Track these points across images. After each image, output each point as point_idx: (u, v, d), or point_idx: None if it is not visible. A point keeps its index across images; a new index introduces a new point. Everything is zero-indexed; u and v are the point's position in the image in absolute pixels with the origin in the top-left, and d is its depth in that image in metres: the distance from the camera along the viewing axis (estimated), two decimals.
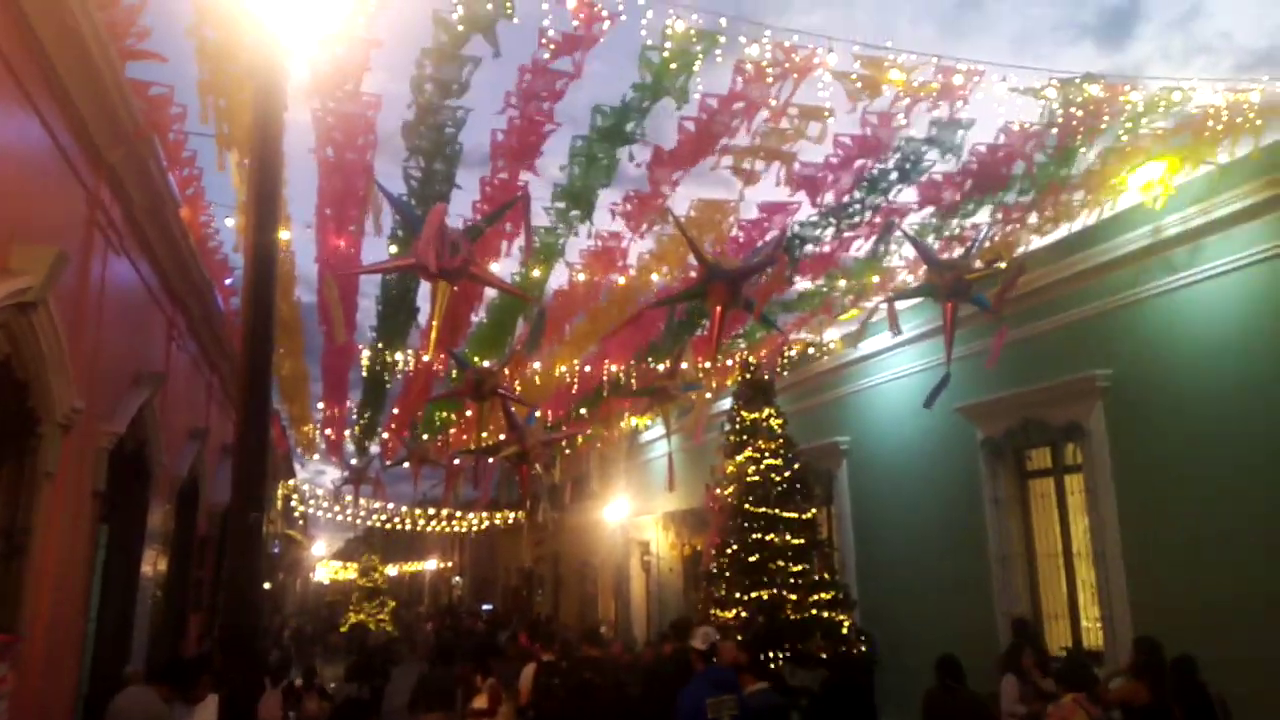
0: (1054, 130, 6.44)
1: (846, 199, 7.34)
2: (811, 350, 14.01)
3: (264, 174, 3.48)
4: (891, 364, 13.15)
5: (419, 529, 32.45)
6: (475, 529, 33.14)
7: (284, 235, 8.38)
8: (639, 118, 6.06)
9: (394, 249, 8.47)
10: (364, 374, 13.40)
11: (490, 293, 10.36)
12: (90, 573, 6.84)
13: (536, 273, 9.36)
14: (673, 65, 5.30)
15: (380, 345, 12.30)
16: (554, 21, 5.15)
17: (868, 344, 13.39)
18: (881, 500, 13.04)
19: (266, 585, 23.24)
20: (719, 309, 7.64)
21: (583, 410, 17.63)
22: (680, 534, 19.23)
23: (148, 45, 5.94)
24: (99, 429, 6.63)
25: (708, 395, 14.22)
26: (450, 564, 47.85)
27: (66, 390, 5.45)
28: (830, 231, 7.96)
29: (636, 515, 22.15)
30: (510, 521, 31.26)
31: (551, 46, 5.38)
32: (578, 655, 8.07)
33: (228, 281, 10.10)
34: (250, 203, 3.41)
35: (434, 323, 7.72)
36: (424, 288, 10.29)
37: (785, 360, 13.50)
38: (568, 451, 20.92)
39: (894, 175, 7.07)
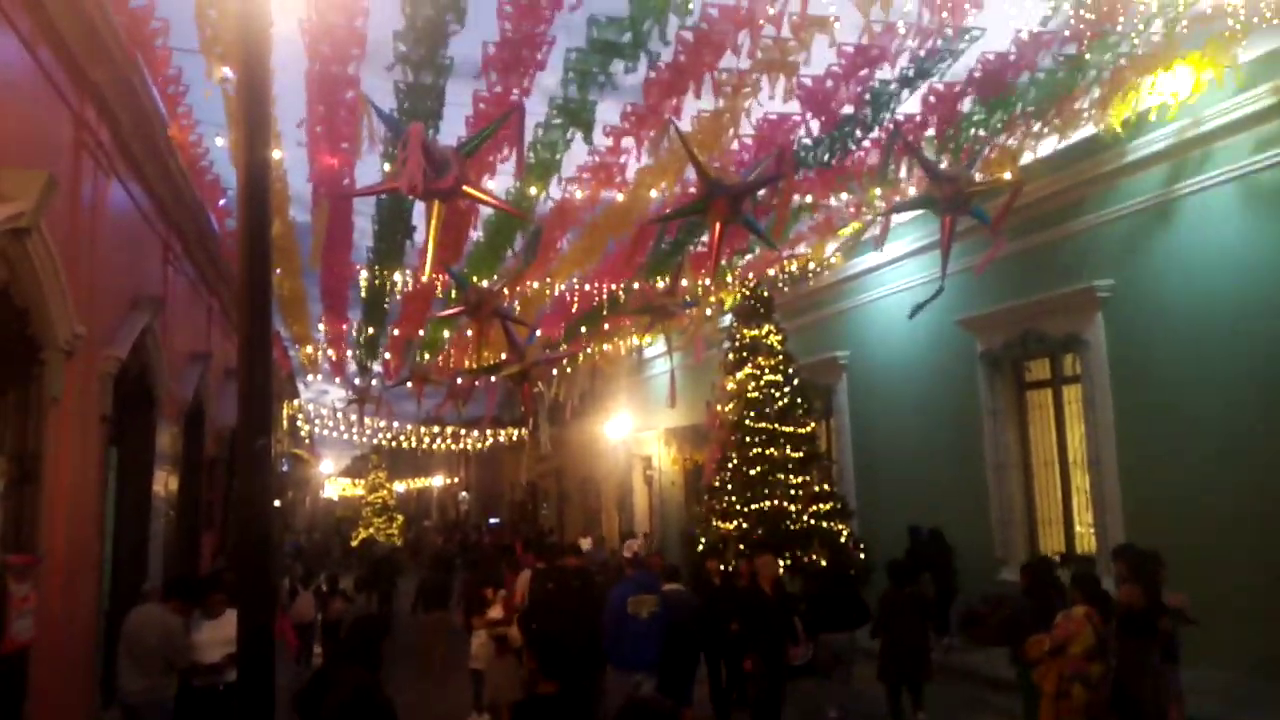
0: (1066, 34, 6.22)
1: (850, 111, 7.17)
2: (811, 266, 13.92)
3: (252, 90, 3.38)
4: (891, 278, 13.10)
5: (424, 447, 32.87)
6: (479, 447, 33.58)
7: (275, 155, 8.24)
8: (638, 32, 5.86)
9: (388, 166, 8.33)
10: (363, 294, 13.35)
11: (487, 211, 10.26)
12: (103, 495, 6.97)
13: (533, 190, 9.22)
14: None
15: (377, 265, 12.23)
16: None
17: (867, 259, 13.30)
18: (881, 413, 13.17)
19: (276, 503, 23.72)
20: (719, 225, 7.57)
21: (583, 328, 17.63)
22: (682, 449, 19.51)
23: None
24: (102, 354, 6.66)
25: (708, 312, 14.20)
26: (457, 479, 48.65)
27: (67, 316, 5.45)
28: (834, 146, 7.79)
29: (639, 431, 22.41)
30: (514, 439, 31.64)
31: None
32: (560, 563, 9.16)
33: (221, 203, 9.95)
34: (239, 120, 3.33)
35: (429, 241, 7.67)
36: (420, 205, 10.19)
37: (785, 276, 13.43)
38: (569, 369, 21.02)
39: (895, 86, 6.88)
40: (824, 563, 9.80)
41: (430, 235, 7.48)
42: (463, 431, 32.82)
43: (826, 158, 8.09)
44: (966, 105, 7.80)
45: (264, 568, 2.74)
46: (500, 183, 9.08)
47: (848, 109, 7.21)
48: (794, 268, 13.55)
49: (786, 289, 14.00)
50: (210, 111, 8.41)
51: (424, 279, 10.74)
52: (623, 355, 21.06)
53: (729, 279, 13.37)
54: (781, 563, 9.54)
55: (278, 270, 12.87)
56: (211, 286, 11.94)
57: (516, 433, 31.29)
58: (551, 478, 31.15)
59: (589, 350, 17.92)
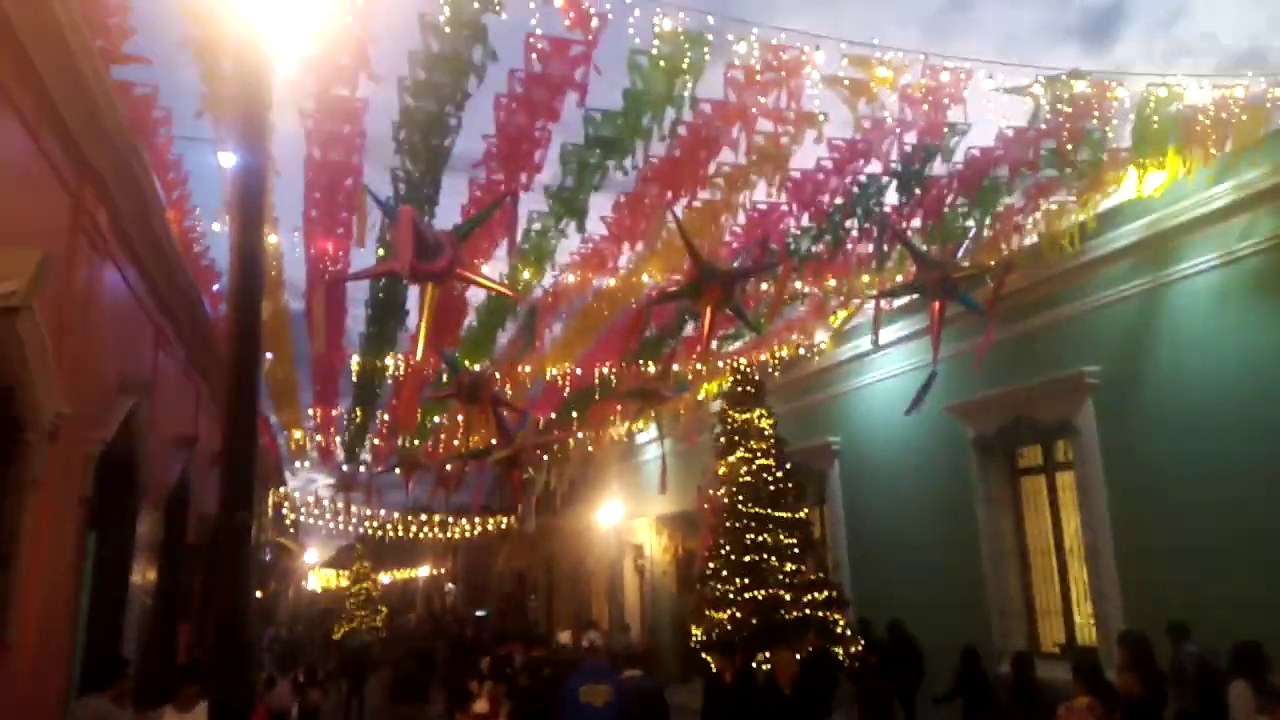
0: (1044, 126, 6.44)
1: (840, 202, 7.34)
2: (802, 351, 14.03)
3: (248, 173, 3.45)
4: (881, 364, 13.17)
5: (411, 536, 32.32)
6: (467, 534, 33.03)
7: (272, 239, 8.34)
8: (634, 128, 6.03)
9: (382, 253, 8.44)
10: (354, 379, 13.34)
11: (478, 297, 10.36)
12: (79, 581, 6.77)
13: (526, 274, 9.32)
14: (662, 64, 5.28)
15: (369, 351, 12.25)
16: (542, 21, 5.13)
17: (857, 344, 13.41)
18: (874, 500, 13.05)
19: (259, 594, 23.13)
20: (710, 309, 7.65)
21: (574, 413, 17.60)
22: (673, 537, 19.23)
23: (132, 47, 5.91)
24: (86, 435, 6.57)
25: (699, 397, 14.22)
26: (443, 570, 47.64)
27: (52, 396, 5.39)
28: (822, 236, 7.95)
29: (629, 518, 22.12)
30: (503, 526, 31.15)
31: (537, 50, 5.34)
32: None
33: (215, 288, 10.03)
34: (234, 200, 3.38)
35: (422, 324, 7.70)
36: (415, 291, 10.28)
37: (775, 361, 13.50)
38: (559, 455, 20.89)
39: (886, 180, 7.07)
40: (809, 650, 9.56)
41: (424, 318, 7.52)
42: (450, 520, 32.33)
43: (816, 248, 8.23)
44: (953, 197, 8.00)
45: (242, 648, 2.64)
46: (494, 268, 9.21)
47: (837, 200, 7.38)
48: (783, 353, 13.65)
49: (778, 374, 14.05)
50: (207, 197, 8.56)
51: (416, 361, 10.71)
52: (614, 441, 20.98)
53: (719, 364, 13.46)
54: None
55: (269, 355, 12.90)
56: (202, 371, 11.90)
57: (505, 521, 30.83)
58: (541, 567, 30.54)
59: (580, 435, 17.83)
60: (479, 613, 34.82)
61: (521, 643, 14.02)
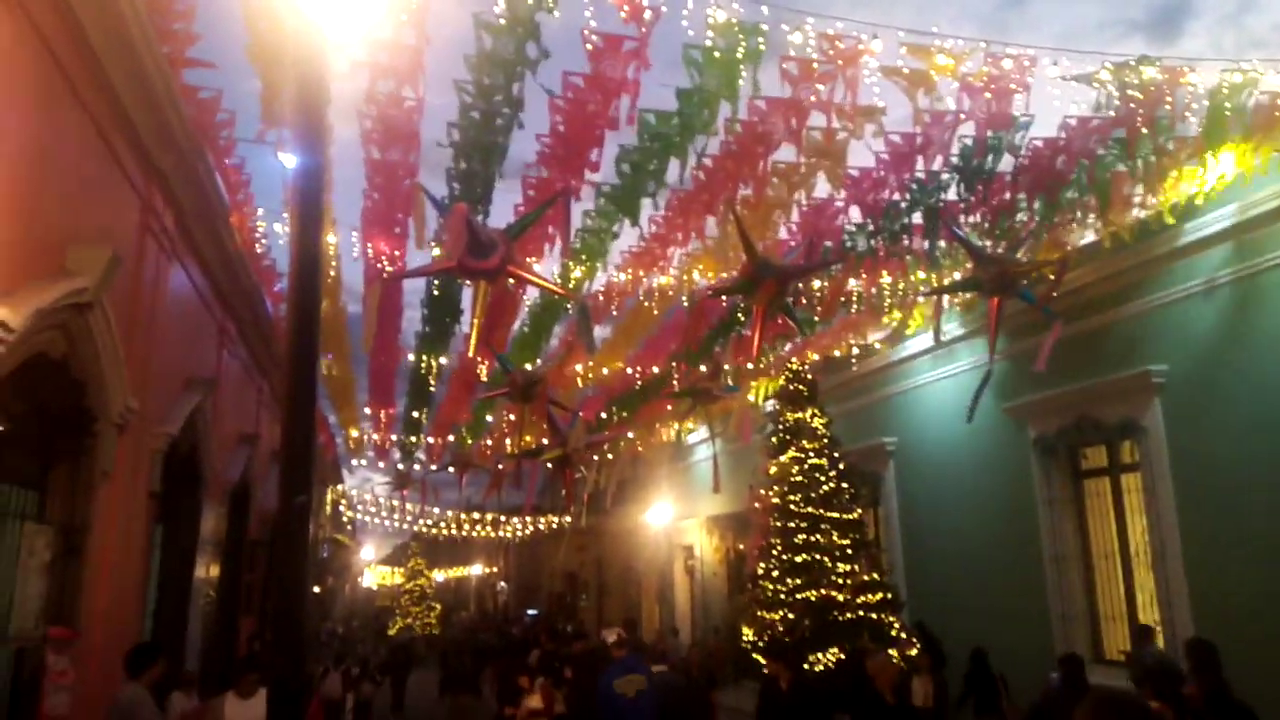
0: (1112, 114, 6.22)
1: (896, 198, 7.20)
2: (855, 351, 13.83)
3: (308, 173, 3.50)
4: (937, 364, 12.92)
5: (464, 534, 32.69)
6: (519, 534, 33.31)
7: (330, 240, 8.49)
8: (687, 131, 5.98)
9: (437, 252, 8.53)
10: (410, 378, 13.53)
11: (529, 297, 10.41)
12: (147, 573, 6.97)
13: (578, 273, 9.34)
14: (716, 55, 5.23)
15: (424, 350, 12.41)
16: (596, 14, 5.13)
17: (913, 344, 13.17)
18: (930, 502, 12.80)
19: (316, 589, 23.60)
20: (762, 307, 7.56)
21: (623, 413, 17.60)
22: (724, 538, 19.13)
23: (196, 51, 6.07)
24: (154, 430, 6.76)
25: (750, 397, 14.09)
26: (495, 569, 48.10)
27: (121, 390, 5.56)
28: (879, 234, 7.81)
29: (679, 519, 22.06)
30: (554, 527, 31.34)
31: (591, 45, 5.34)
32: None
33: (276, 288, 10.25)
34: (294, 200, 3.44)
35: (475, 321, 7.76)
36: (469, 291, 10.38)
37: (829, 362, 13.33)
38: (609, 456, 20.94)
39: (946, 175, 6.91)
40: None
41: (476, 316, 7.57)
42: (502, 519, 32.64)
43: (871, 244, 8.10)
44: (1012, 193, 7.80)
45: (300, 630, 2.67)
46: (545, 268, 9.25)
47: (894, 196, 7.24)
48: (836, 353, 13.47)
49: (830, 374, 13.87)
50: (269, 198, 8.75)
51: (470, 357, 10.80)
52: (663, 441, 20.95)
53: (767, 362, 13.33)
54: (826, 658, 9.17)
55: (328, 355, 13.15)
56: (263, 370, 12.18)
57: (556, 521, 31.01)
58: (591, 567, 30.64)
59: (630, 435, 17.83)
60: (530, 612, 35.08)
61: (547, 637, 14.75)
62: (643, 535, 24.09)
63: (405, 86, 5.95)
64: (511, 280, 7.55)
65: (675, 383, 13.08)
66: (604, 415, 17.17)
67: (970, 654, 9.32)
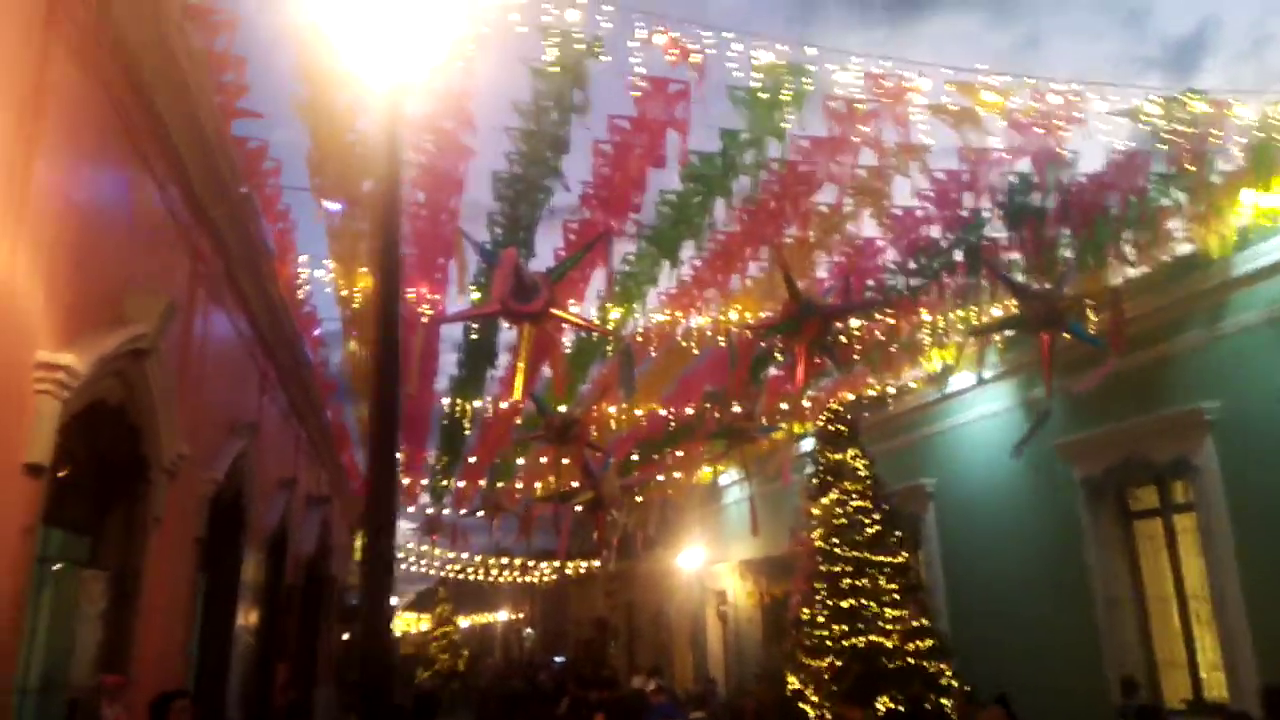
0: (1159, 148, 6.17)
1: (939, 237, 7.17)
2: (892, 392, 13.68)
3: (387, 228, 3.51)
4: (977, 402, 12.73)
5: (491, 580, 32.46)
6: (547, 579, 33.02)
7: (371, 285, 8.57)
8: (731, 172, 6.01)
9: (476, 296, 8.57)
10: (443, 422, 13.55)
11: (564, 339, 10.43)
12: (193, 619, 6.93)
13: (616, 314, 9.34)
14: (763, 96, 5.26)
15: (459, 394, 12.44)
16: (644, 59, 5.18)
17: (952, 382, 13.01)
18: (973, 545, 12.52)
19: (345, 636, 23.43)
20: (804, 346, 7.52)
21: (654, 455, 17.50)
22: (758, 582, 18.77)
23: (244, 102, 6.19)
24: (200, 476, 6.78)
25: (783, 437, 13.96)
26: (521, 615, 47.62)
27: (174, 437, 5.58)
28: (922, 273, 7.76)
29: (712, 564, 21.74)
30: (583, 571, 31.03)
31: (639, 92, 5.39)
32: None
33: (315, 333, 10.34)
34: (374, 256, 3.47)
35: (520, 364, 7.75)
36: (504, 335, 10.41)
37: (866, 401, 13.19)
38: (639, 499, 20.78)
39: (988, 213, 6.87)
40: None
41: (521, 358, 7.57)
42: (530, 564, 32.39)
43: (913, 284, 8.05)
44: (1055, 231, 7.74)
45: (389, 674, 2.61)
46: (582, 311, 9.26)
47: (936, 234, 7.21)
48: (871, 392, 13.33)
49: (868, 414, 13.71)
50: (311, 244, 8.85)
51: (511, 400, 10.79)
52: (695, 484, 20.77)
53: (804, 403, 13.21)
54: (882, 706, 8.91)
55: (362, 400, 13.20)
56: (300, 416, 12.24)
57: (585, 565, 30.70)
58: (621, 612, 30.22)
59: (662, 478, 17.70)
60: (557, 659, 34.58)
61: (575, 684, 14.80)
62: (674, 580, 23.75)
63: (456, 133, 6.02)
64: (553, 323, 7.58)
65: (710, 423, 13.00)
66: (635, 457, 17.08)
67: (995, 699, 8.99)
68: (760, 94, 5.31)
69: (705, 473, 19.82)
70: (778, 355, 9.86)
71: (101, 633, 5.00)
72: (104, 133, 4.61)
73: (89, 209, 4.47)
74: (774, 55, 5.17)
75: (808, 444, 14.57)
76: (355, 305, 8.58)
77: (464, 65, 5.24)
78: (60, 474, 4.52)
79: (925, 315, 9.47)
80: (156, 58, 4.79)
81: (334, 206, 7.29)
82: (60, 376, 3.94)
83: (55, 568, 4.46)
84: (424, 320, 8.32)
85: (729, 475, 19.90)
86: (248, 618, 9.19)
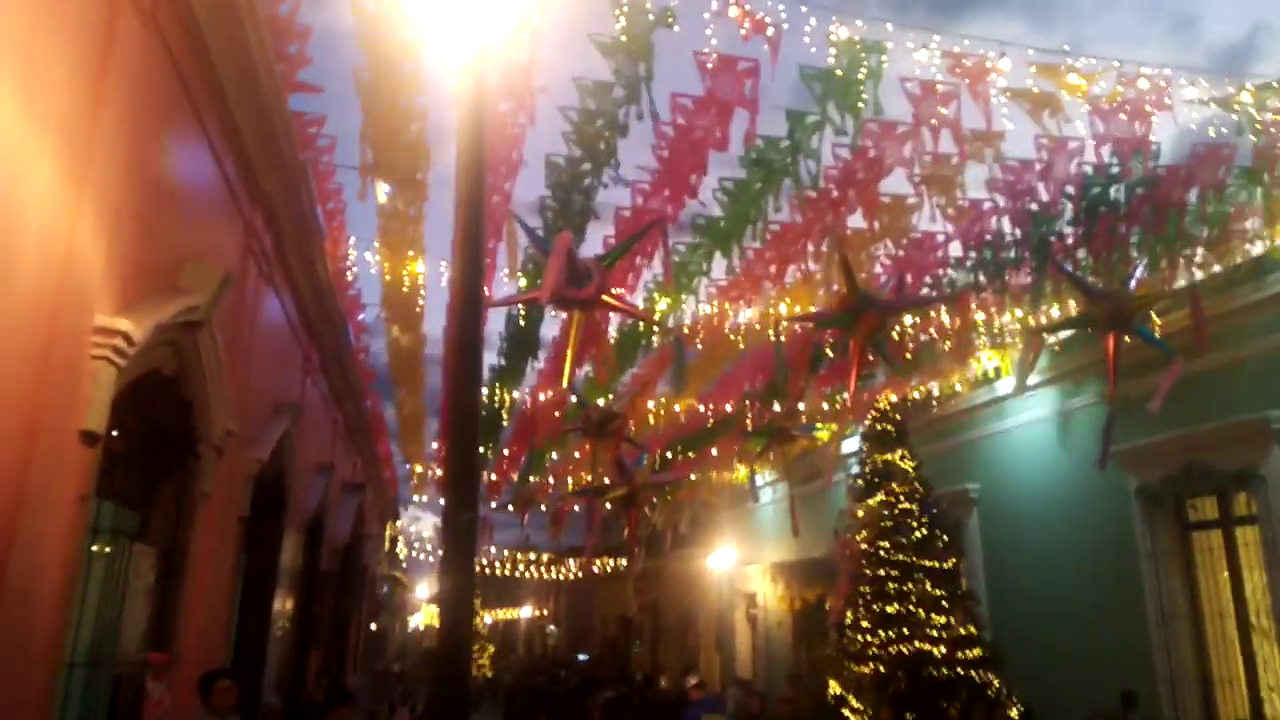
0: (1244, 140, 5.88)
1: (1006, 230, 6.91)
2: (935, 393, 13.37)
3: (471, 214, 3.36)
4: (1025, 407, 12.40)
5: (517, 574, 32.40)
6: (572, 575, 32.91)
7: (419, 268, 8.47)
8: (802, 153, 5.80)
9: (523, 283, 8.43)
10: (482, 413, 13.45)
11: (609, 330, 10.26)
12: (234, 600, 6.85)
13: (663, 305, 9.15)
14: (838, 73, 5.05)
15: (498, 384, 12.32)
16: (716, 30, 5.00)
17: (999, 386, 12.69)
18: (1019, 553, 12.18)
19: (374, 626, 23.48)
20: (860, 341, 7.28)
21: (689, 453, 17.30)
22: (790, 586, 18.50)
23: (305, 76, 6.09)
24: (245, 455, 6.69)
25: (825, 437, 13.67)
26: (544, 612, 47.60)
27: (224, 412, 5.49)
28: (987, 268, 7.49)
29: (741, 565, 21.49)
30: (609, 569, 30.88)
31: (706, 68, 5.20)
32: None
33: (359, 317, 10.27)
34: (458, 245, 3.32)
35: (568, 351, 7.59)
36: (546, 325, 10.26)
37: (909, 403, 12.90)
38: (669, 497, 20.58)
39: (1061, 206, 6.59)
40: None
41: (570, 346, 7.41)
42: (555, 559, 32.29)
43: (973, 278, 7.79)
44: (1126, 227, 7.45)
45: (466, 654, 2.46)
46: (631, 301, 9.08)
47: (1004, 227, 6.95)
48: (916, 394, 13.03)
49: (910, 416, 13.40)
50: (359, 226, 8.76)
51: (559, 387, 10.63)
52: (728, 484, 20.54)
53: (842, 402, 12.94)
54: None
55: (402, 389, 13.15)
56: (339, 401, 12.20)
57: (612, 563, 30.55)
58: (646, 612, 30.02)
59: (695, 476, 17.50)
60: (580, 657, 34.46)
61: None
62: (702, 580, 23.52)
63: (516, 112, 5.88)
64: (603, 310, 7.41)
65: (749, 421, 12.77)
66: (669, 455, 16.90)
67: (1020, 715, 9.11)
68: (833, 73, 5.10)
69: (739, 474, 19.60)
70: (828, 351, 9.62)
71: (148, 609, 4.91)
72: (166, 96, 4.51)
73: (150, 174, 4.38)
74: (850, 31, 4.97)
75: (848, 445, 14.30)
76: (403, 289, 8.47)
77: (529, 38, 5.09)
78: (111, 445, 4.43)
79: (981, 315, 9.19)
80: (221, 20, 4.69)
81: (385, 187, 7.19)
82: (117, 342, 3.84)
83: (105, 540, 4.36)
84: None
85: (762, 476, 19.65)
86: (284, 602, 9.12)
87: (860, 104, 5.25)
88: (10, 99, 3.01)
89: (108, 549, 4.41)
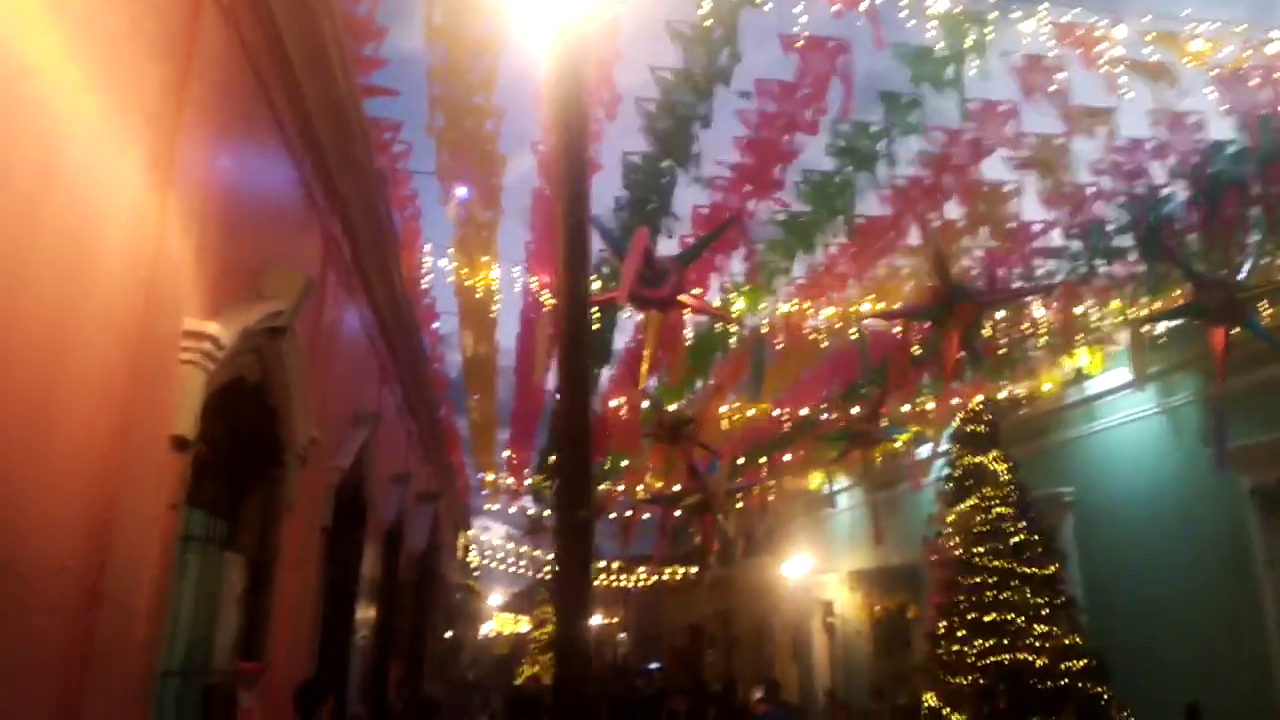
0: None
1: (1111, 216, 6.47)
2: (1021, 394, 12.79)
3: (574, 219, 3.21)
4: (1124, 405, 11.75)
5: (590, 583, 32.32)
6: (642, 583, 32.70)
7: (493, 274, 8.38)
8: (888, 137, 5.51)
9: (597, 284, 8.28)
10: (551, 419, 13.35)
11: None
12: (319, 610, 6.81)
13: (740, 305, 8.89)
14: (941, 46, 4.75)
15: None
16: (807, 7, 4.75)
17: (1093, 384, 12.06)
18: (1119, 560, 11.53)
19: (448, 634, 23.62)
20: (955, 336, 6.92)
21: (762, 459, 16.95)
22: (869, 594, 17.99)
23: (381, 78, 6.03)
24: (327, 464, 6.65)
25: (928, 437, 13.19)
26: (615, 620, 47.44)
27: (308, 420, 5.43)
28: (1093, 257, 7.06)
29: (818, 573, 20.99)
30: (679, 577, 30.57)
31: (795, 48, 4.96)
32: None
33: (434, 326, 10.25)
34: (564, 252, 3.17)
35: (646, 352, 7.39)
36: (618, 328, 10.07)
37: (1000, 404, 12.36)
38: (740, 505, 20.24)
39: (1169, 188, 6.15)
40: None
41: (648, 346, 7.21)
42: (626, 567, 32.12)
43: (1077, 267, 7.35)
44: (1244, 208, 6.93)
45: (587, 655, 2.27)
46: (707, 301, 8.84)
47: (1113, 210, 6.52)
48: (1008, 394, 12.48)
49: (999, 418, 12.84)
50: (435, 232, 8.71)
51: (637, 388, 10.44)
52: (801, 490, 20.11)
53: (929, 405, 12.46)
54: None
55: (475, 396, 13.13)
56: (413, 410, 12.22)
57: (682, 571, 30.23)
58: (718, 621, 29.61)
59: (771, 482, 17.13)
60: (652, 665, 34.18)
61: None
62: (776, 588, 23.05)
63: (592, 106, 5.71)
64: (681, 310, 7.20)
65: (830, 424, 12.40)
66: (740, 460, 16.57)
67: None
68: (932, 50, 4.80)
69: (814, 480, 19.17)
70: (915, 350, 9.22)
71: (238, 618, 4.85)
72: (245, 96, 4.47)
73: (232, 177, 4.32)
74: (951, 2, 4.66)
75: (924, 450, 13.82)
76: (477, 296, 8.39)
77: (606, 23, 4.92)
78: (199, 453, 4.37)
79: (1079, 308, 8.70)
80: (298, 18, 4.63)
81: (461, 192, 7.10)
82: (206, 346, 3.77)
83: (197, 548, 4.31)
84: (546, 308, 8.06)
85: (839, 482, 19.16)
86: (366, 612, 9.11)
87: (961, 81, 4.93)
88: (98, 93, 2.94)
89: (199, 558, 4.35)
